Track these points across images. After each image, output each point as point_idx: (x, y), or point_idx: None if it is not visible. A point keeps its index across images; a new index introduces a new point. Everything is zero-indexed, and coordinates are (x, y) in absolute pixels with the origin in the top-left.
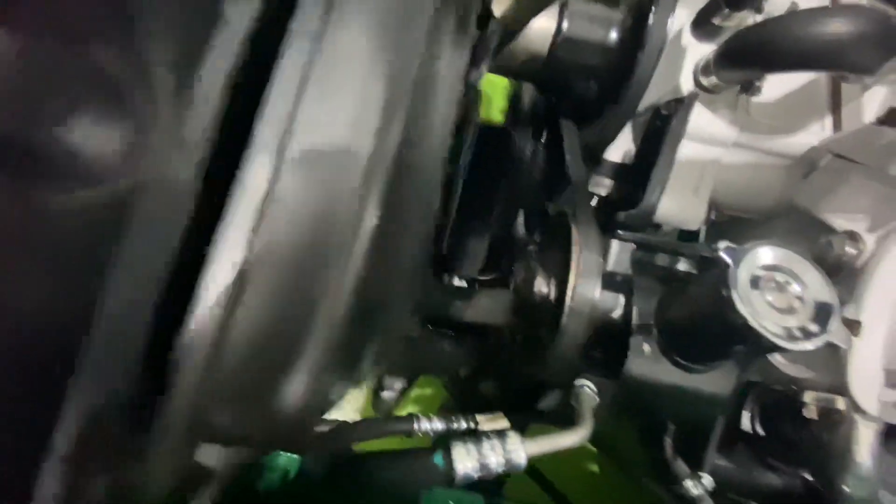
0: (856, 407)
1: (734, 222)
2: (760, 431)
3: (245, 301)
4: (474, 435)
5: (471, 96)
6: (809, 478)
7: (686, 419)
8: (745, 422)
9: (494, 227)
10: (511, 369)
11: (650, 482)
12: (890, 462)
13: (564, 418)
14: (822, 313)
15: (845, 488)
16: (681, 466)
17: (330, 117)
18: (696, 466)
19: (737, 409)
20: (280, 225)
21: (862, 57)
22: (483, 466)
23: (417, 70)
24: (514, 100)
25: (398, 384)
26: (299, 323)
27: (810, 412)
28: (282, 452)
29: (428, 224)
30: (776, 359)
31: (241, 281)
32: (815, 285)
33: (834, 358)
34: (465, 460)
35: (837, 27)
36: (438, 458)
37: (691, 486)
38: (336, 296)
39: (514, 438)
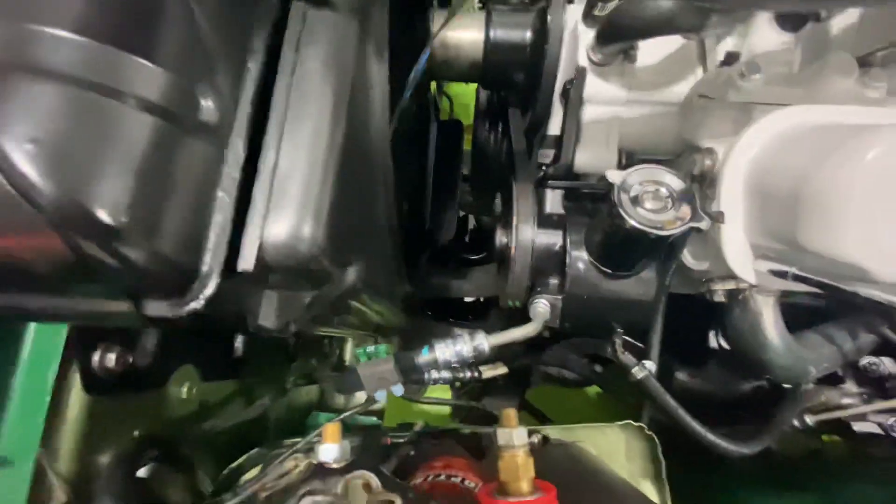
0: (746, 282)
1: None
2: (725, 346)
3: None
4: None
5: (430, 104)
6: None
7: (625, 320)
8: (713, 342)
9: (458, 198)
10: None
11: (623, 394)
12: (810, 340)
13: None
14: (687, 204)
15: (769, 359)
16: (629, 359)
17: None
18: (644, 358)
19: (704, 333)
20: None
21: (685, 21)
22: (458, 354)
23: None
24: (476, 102)
25: None
26: None
27: (719, 297)
28: (321, 413)
29: (386, 181)
30: (688, 260)
31: None
32: (675, 184)
33: (717, 247)
34: (445, 351)
35: (661, 3)
36: (426, 351)
37: (637, 371)
38: None
39: (480, 335)
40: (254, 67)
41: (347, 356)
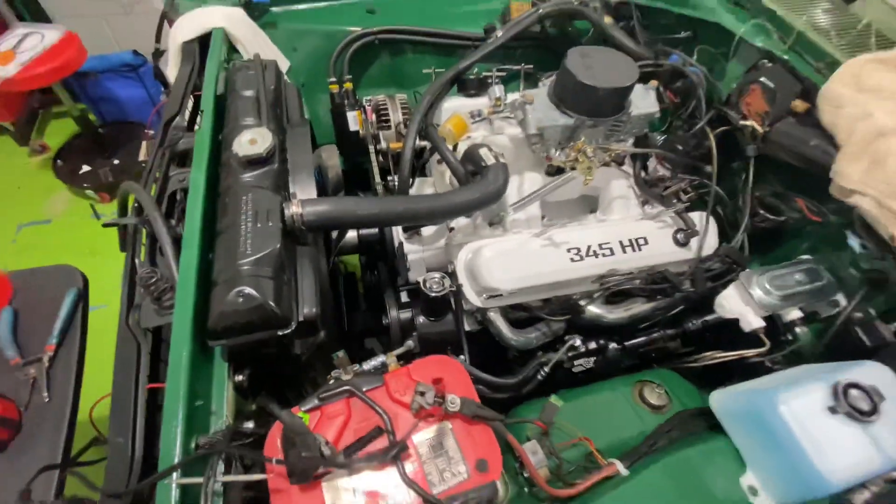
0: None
1: None
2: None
3: None
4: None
5: (339, 266)
6: None
7: (450, 343)
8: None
9: (359, 312)
10: None
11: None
12: (527, 330)
13: None
14: (448, 283)
15: (509, 342)
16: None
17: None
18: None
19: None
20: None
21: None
22: (374, 367)
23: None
24: (360, 261)
25: None
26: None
27: (481, 316)
28: None
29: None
30: (469, 305)
31: None
32: (436, 278)
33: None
34: (369, 363)
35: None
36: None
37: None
38: None
39: (391, 356)
40: (292, 269)
41: None
